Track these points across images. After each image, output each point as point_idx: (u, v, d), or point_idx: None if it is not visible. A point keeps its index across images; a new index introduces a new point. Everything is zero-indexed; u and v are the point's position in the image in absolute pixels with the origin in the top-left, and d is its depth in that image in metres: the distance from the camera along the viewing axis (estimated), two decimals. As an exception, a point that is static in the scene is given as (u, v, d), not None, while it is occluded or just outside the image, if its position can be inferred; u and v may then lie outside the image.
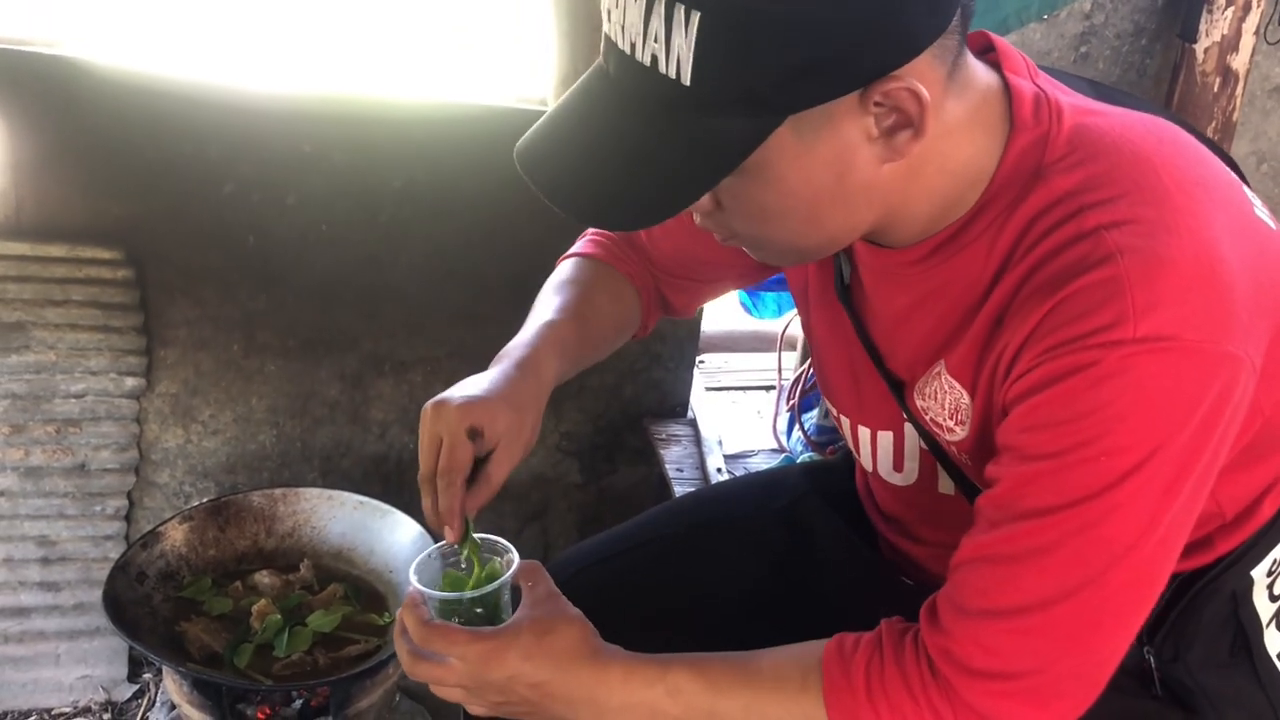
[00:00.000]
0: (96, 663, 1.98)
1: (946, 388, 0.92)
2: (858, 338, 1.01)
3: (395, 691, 1.64)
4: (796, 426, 1.84)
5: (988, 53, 0.89)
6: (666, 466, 1.90)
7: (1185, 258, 0.76)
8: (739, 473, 1.85)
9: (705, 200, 0.84)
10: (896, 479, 1.08)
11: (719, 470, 1.84)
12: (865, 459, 1.11)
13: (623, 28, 0.76)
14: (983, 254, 0.86)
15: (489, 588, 0.98)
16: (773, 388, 2.03)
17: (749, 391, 2.33)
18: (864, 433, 1.08)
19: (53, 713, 1.97)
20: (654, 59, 0.74)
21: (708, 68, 0.73)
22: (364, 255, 1.89)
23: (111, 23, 1.86)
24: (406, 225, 1.87)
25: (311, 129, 1.80)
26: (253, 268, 1.87)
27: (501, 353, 1.07)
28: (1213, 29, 1.98)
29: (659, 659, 0.93)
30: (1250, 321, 0.78)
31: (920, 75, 0.76)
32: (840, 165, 0.80)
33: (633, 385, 2.06)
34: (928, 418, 0.96)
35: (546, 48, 1.86)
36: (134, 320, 1.84)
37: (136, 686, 2.01)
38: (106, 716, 1.96)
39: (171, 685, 1.54)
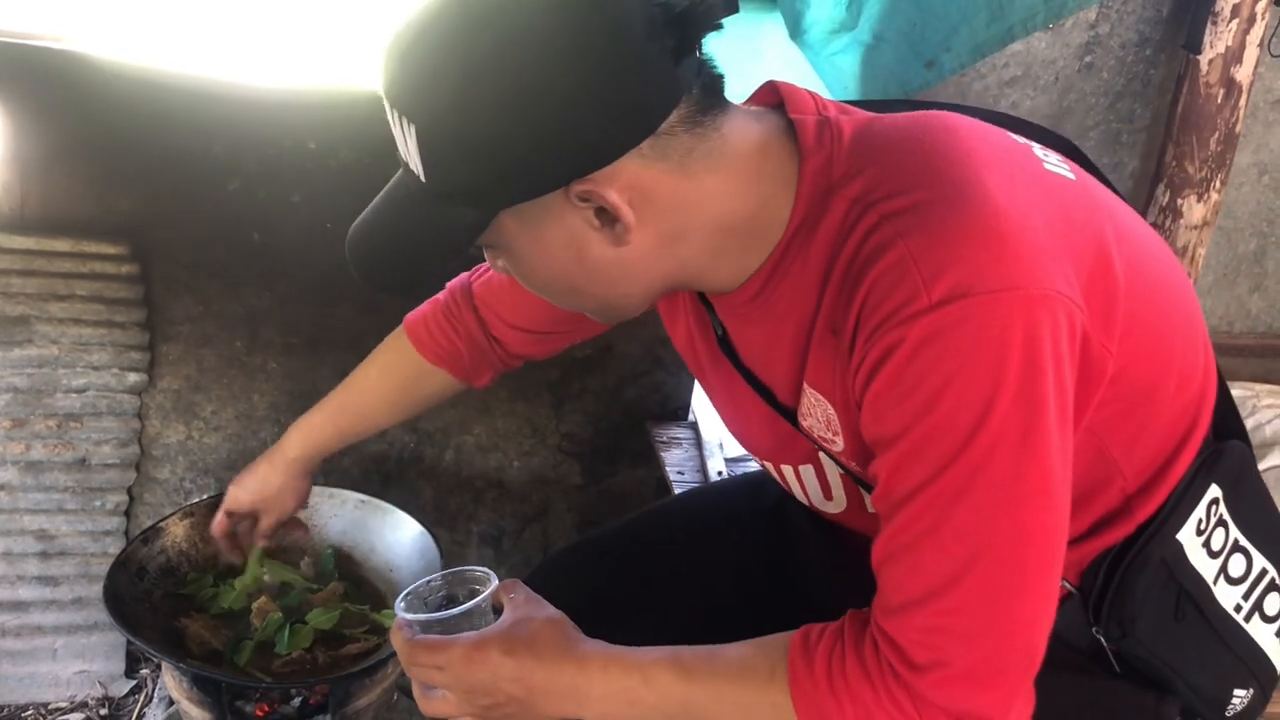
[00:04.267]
0: (94, 658, 1.98)
1: (814, 402, 0.96)
2: (747, 384, 1.05)
3: (394, 690, 1.63)
4: (798, 431, 1.85)
5: (778, 104, 0.96)
6: (667, 469, 1.90)
7: (963, 221, 0.81)
8: (739, 476, 1.85)
9: (497, 267, 1.00)
10: (829, 507, 1.12)
11: (719, 473, 1.85)
12: (797, 493, 1.14)
13: (394, 132, 0.89)
14: (803, 274, 0.91)
15: (468, 605, 1.01)
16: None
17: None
18: (788, 471, 1.12)
19: (49, 707, 1.97)
20: (405, 157, 0.89)
21: (430, 167, 0.86)
22: (368, 254, 1.88)
23: (118, 18, 1.86)
24: (411, 224, 1.87)
25: (317, 126, 1.80)
26: (257, 264, 1.87)
27: (290, 426, 1.52)
28: (1217, 40, 1.99)
29: (637, 651, 0.96)
30: (1053, 261, 0.81)
31: (625, 173, 0.85)
32: (575, 248, 0.90)
33: (634, 388, 2.06)
34: (815, 435, 1.00)
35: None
36: (137, 316, 1.84)
37: (134, 682, 2.01)
38: (103, 712, 1.96)
39: (170, 681, 1.54)
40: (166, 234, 1.83)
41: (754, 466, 1.93)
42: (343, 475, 2.02)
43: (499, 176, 0.84)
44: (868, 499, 1.02)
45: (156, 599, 1.57)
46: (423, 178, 0.86)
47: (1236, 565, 1.01)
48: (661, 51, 0.82)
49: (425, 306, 1.40)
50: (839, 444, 0.97)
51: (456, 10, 0.83)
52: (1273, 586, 1.03)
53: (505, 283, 1.29)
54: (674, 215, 0.89)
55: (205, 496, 1.83)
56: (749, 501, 1.34)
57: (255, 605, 1.58)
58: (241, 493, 1.52)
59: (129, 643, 1.98)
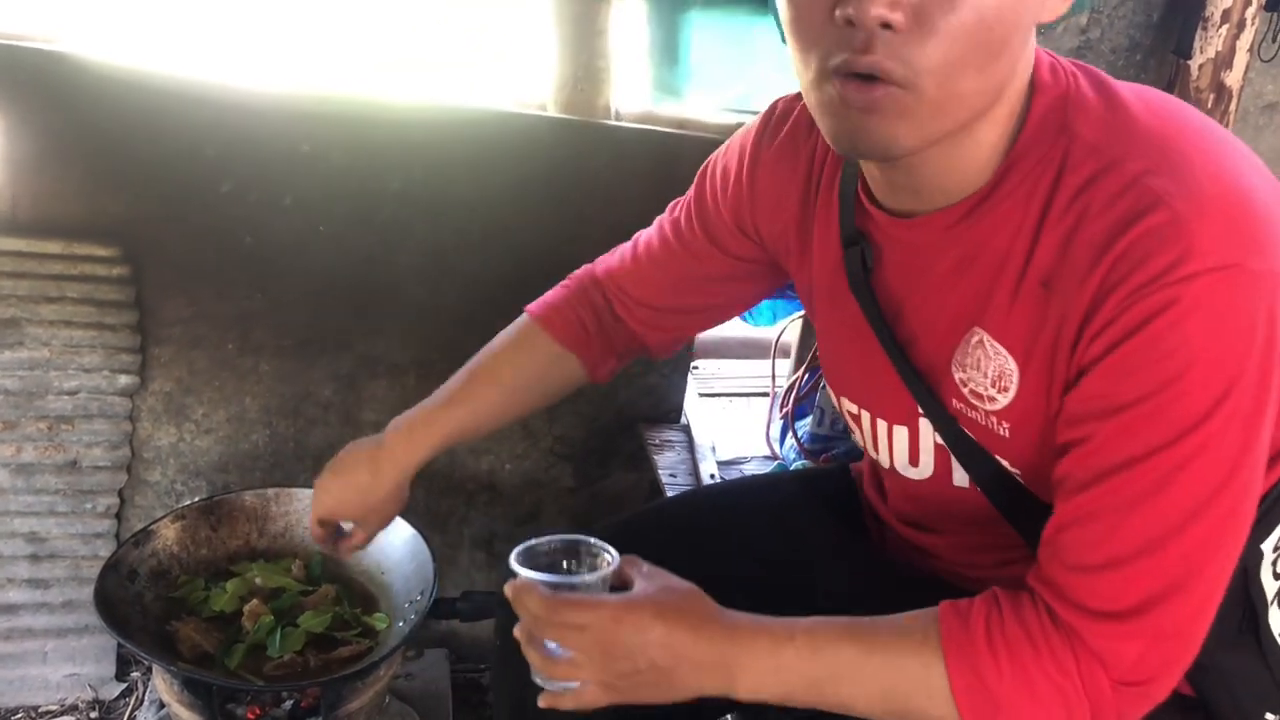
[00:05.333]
0: (84, 661, 1.97)
1: (991, 354, 0.94)
2: (874, 332, 1.03)
3: (385, 693, 1.63)
4: (790, 434, 1.84)
5: None
6: (660, 472, 1.90)
7: (1223, 192, 0.81)
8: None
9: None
10: (912, 473, 1.09)
11: (712, 476, 1.85)
12: (882, 454, 1.12)
13: None
14: (1018, 212, 0.90)
15: (605, 570, 0.98)
16: (766, 394, 2.04)
17: (743, 398, 2.34)
18: (881, 427, 1.10)
19: (39, 710, 1.96)
20: None
21: None
22: (360, 256, 1.89)
23: (110, 18, 1.85)
24: (404, 227, 1.87)
25: (310, 129, 1.80)
26: (249, 267, 1.87)
27: (390, 425, 1.34)
28: (1207, 45, 2.00)
29: (782, 619, 0.94)
30: None
31: None
32: None
33: (627, 390, 2.06)
34: (966, 390, 0.97)
35: (547, 51, 1.87)
36: (129, 318, 1.84)
37: (124, 685, 2.00)
38: (94, 715, 1.96)
39: (161, 685, 1.54)
40: (158, 236, 1.83)
41: (748, 471, 1.93)
42: (334, 478, 2.02)
43: None
44: (957, 475, 1.04)
45: (147, 602, 1.57)
46: None
47: None
48: None
49: (545, 296, 1.36)
50: (1000, 402, 0.95)
51: None
52: None
53: (631, 260, 1.30)
54: (1031, 33, 0.88)
55: (197, 499, 1.83)
56: (750, 507, 1.33)
57: (247, 608, 1.58)
58: (337, 504, 1.36)
59: (120, 646, 1.97)
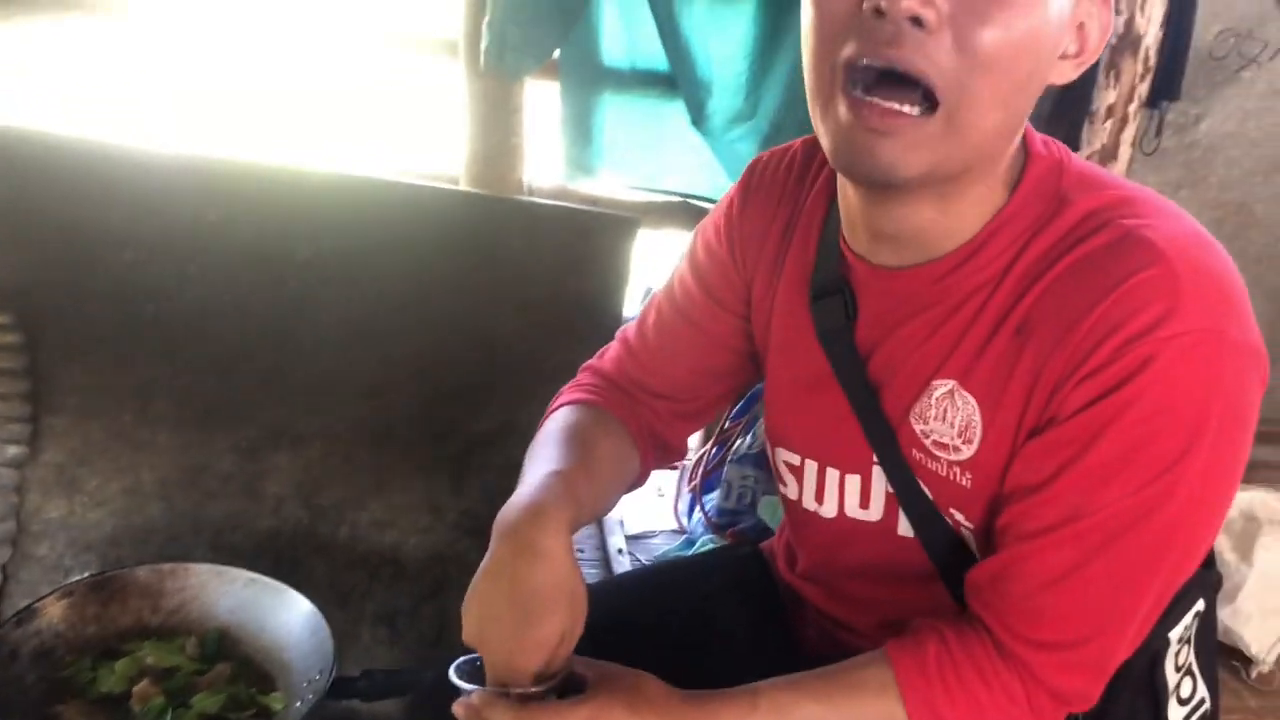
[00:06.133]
0: (-42, 747, 1.87)
1: (959, 404, 0.95)
2: (839, 381, 1.04)
3: (281, 777, 1.58)
4: (698, 508, 1.85)
5: None
6: (567, 547, 1.88)
7: (1209, 261, 0.85)
8: (641, 555, 1.85)
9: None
10: (863, 515, 1.09)
11: (620, 551, 1.85)
12: (827, 504, 1.12)
13: None
14: (1003, 269, 0.92)
15: (555, 681, 0.94)
16: (675, 468, 2.05)
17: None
18: (831, 476, 1.10)
19: (-94, 801, 1.85)
20: None
21: None
22: (267, 326, 1.86)
23: (11, 80, 1.82)
24: (313, 297, 1.86)
25: (217, 196, 1.78)
26: (151, 336, 1.83)
27: (511, 517, 0.99)
28: (1094, 139, 2.11)
29: (740, 689, 0.95)
30: (1252, 318, 0.87)
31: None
32: (1057, 39, 0.86)
33: (535, 464, 2.05)
34: (928, 441, 0.98)
35: (461, 127, 1.89)
36: (20, 387, 1.77)
37: (1, 772, 1.90)
38: (-35, 805, 1.85)
39: (42, 771, 1.46)
40: (55, 303, 1.78)
41: (656, 546, 1.93)
42: (232, 552, 1.96)
43: None
44: (902, 524, 1.05)
45: (29, 684, 1.50)
46: None
47: (1186, 687, 1.05)
48: None
49: (579, 393, 1.20)
50: (965, 453, 0.96)
51: None
52: (1204, 717, 1.07)
53: (630, 354, 1.22)
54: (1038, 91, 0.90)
55: (86, 575, 1.76)
56: (665, 605, 1.29)
57: (136, 689, 1.52)
58: (551, 633, 0.91)
59: (-3, 730, 1.87)
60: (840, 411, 1.05)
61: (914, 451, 1.00)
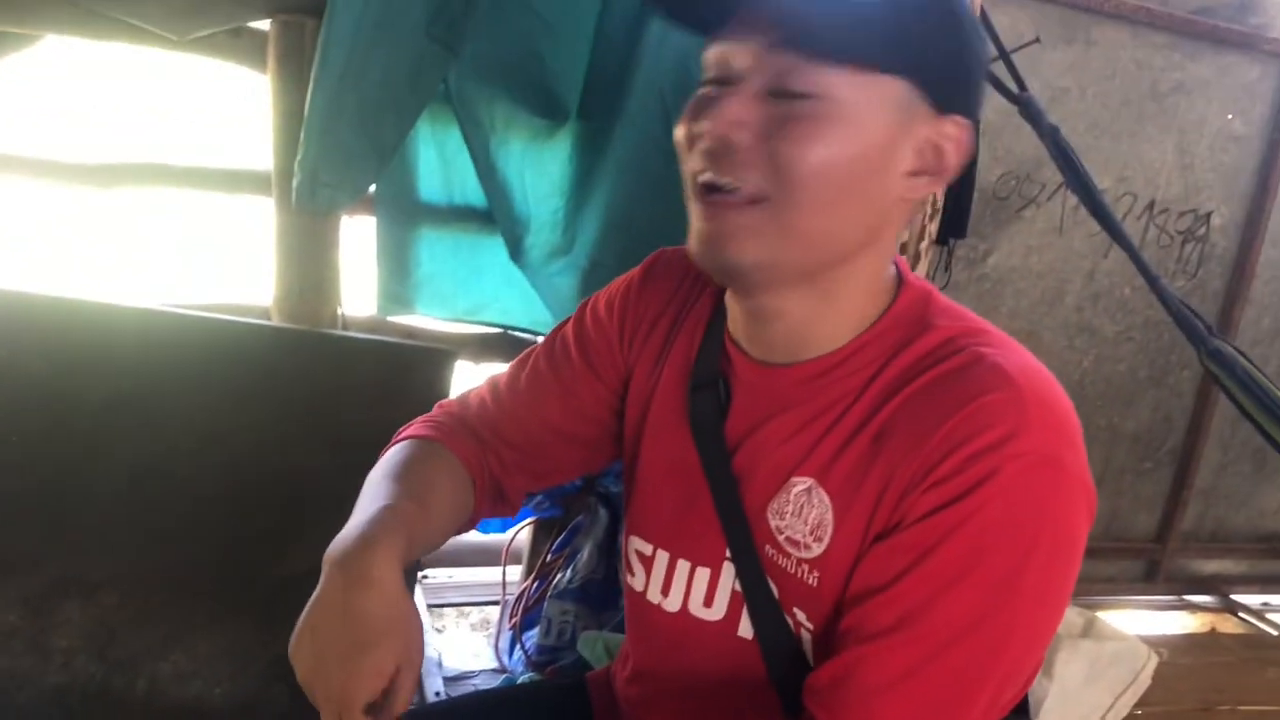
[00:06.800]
0: None
1: (815, 501, 0.98)
2: (705, 471, 1.06)
3: None
4: (518, 646, 1.82)
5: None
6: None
7: (1057, 398, 0.91)
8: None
9: (758, 93, 0.90)
10: (705, 614, 1.09)
11: (437, 694, 1.79)
12: (672, 598, 1.12)
13: None
14: (867, 380, 0.97)
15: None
16: (497, 603, 2.01)
17: (475, 607, 2.30)
18: (681, 568, 1.11)
19: None
20: None
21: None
22: (58, 468, 1.76)
23: None
24: (107, 437, 1.77)
25: (5, 331, 1.69)
26: (-75, 481, 1.71)
27: (339, 551, 0.94)
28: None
29: None
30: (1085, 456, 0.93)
31: (964, 141, 0.95)
32: (884, 155, 0.91)
33: (350, 605, 1.98)
34: (781, 537, 1.00)
35: (271, 261, 1.86)
36: None
37: None
38: None
39: None
40: None
41: (479, 684, 1.88)
42: (17, 712, 1.81)
43: (943, 57, 0.91)
44: (743, 625, 1.05)
45: None
46: None
47: None
48: None
49: (421, 429, 1.20)
50: (815, 550, 0.98)
51: None
52: None
53: (494, 400, 1.23)
54: (901, 218, 0.97)
55: None
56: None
57: None
58: (385, 660, 0.89)
59: None
60: (701, 502, 1.07)
61: (767, 547, 1.03)
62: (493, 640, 1.92)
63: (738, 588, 1.06)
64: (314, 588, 0.94)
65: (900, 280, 1.03)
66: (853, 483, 0.96)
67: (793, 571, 1.01)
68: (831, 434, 0.99)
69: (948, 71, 0.92)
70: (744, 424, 1.06)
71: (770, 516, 1.02)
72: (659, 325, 1.17)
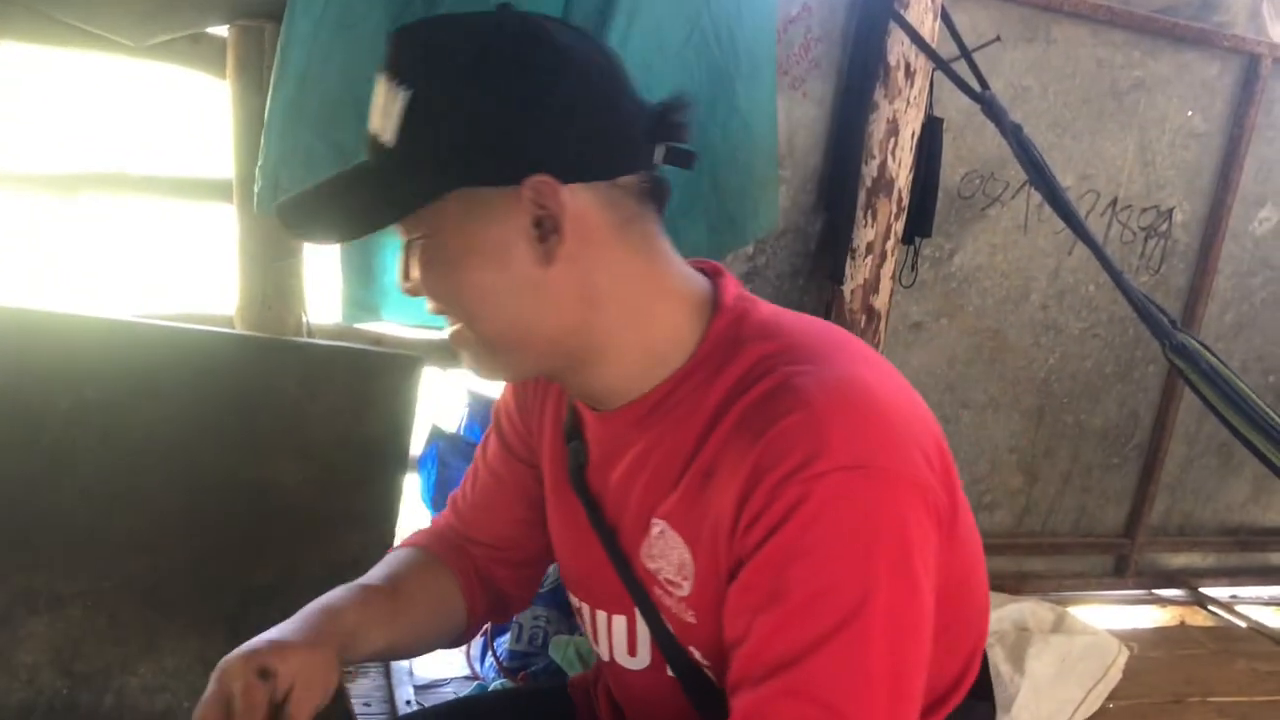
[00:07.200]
0: None
1: (672, 544, 0.98)
2: (590, 524, 1.06)
3: None
4: (490, 652, 1.81)
5: (716, 276, 1.04)
6: (353, 701, 1.81)
7: (856, 398, 0.89)
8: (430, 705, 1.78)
9: (407, 267, 0.98)
10: (631, 663, 1.10)
11: (408, 703, 1.78)
12: (603, 646, 1.13)
13: (372, 109, 0.95)
14: (693, 411, 0.96)
15: None
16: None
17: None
18: (601, 618, 1.11)
19: None
20: (376, 129, 0.94)
21: (406, 132, 0.91)
22: (22, 480, 1.74)
23: None
24: (72, 448, 1.75)
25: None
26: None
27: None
28: (856, 273, 2.24)
29: None
30: (923, 455, 0.90)
31: (579, 199, 0.92)
32: (503, 252, 0.92)
33: (320, 614, 1.97)
34: (661, 578, 1.00)
35: (234, 270, 1.85)
36: None
37: None
38: None
39: None
40: None
41: (447, 696, 1.87)
42: (-22, 732, 1.79)
43: (475, 150, 0.90)
44: (669, 667, 1.04)
45: None
46: (391, 143, 0.91)
47: None
48: (638, 117, 0.94)
49: (412, 538, 1.26)
50: (684, 589, 0.97)
51: (482, 20, 0.92)
52: None
53: (458, 513, 1.26)
54: (601, 271, 0.94)
55: None
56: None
57: None
58: (291, 646, 1.00)
59: None
60: (596, 552, 1.07)
61: (655, 589, 1.03)
62: (464, 648, 1.91)
63: (652, 633, 1.06)
64: (282, 598, 0.97)
65: (716, 302, 1.01)
66: (695, 521, 0.96)
67: (676, 611, 1.01)
68: (668, 474, 0.98)
69: (480, 155, 0.91)
70: (602, 472, 1.07)
71: (645, 560, 1.02)
72: (548, 396, 1.18)
